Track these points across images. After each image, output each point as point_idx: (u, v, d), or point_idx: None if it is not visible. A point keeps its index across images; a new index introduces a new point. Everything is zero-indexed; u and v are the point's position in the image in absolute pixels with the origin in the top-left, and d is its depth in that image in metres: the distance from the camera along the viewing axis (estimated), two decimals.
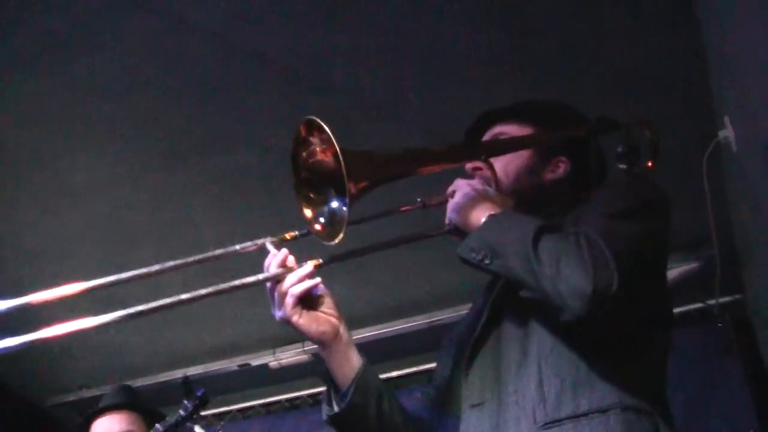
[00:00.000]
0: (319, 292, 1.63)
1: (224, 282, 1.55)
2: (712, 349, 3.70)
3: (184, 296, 1.49)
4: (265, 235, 1.68)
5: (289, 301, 1.58)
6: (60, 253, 3.77)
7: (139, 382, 4.48)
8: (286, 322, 1.59)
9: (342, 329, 1.66)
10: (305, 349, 4.32)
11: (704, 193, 2.74)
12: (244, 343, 4.41)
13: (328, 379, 1.68)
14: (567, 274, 1.40)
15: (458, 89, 3.03)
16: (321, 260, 1.62)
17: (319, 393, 4.44)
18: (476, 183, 1.69)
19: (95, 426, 2.88)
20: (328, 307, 1.64)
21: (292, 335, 4.26)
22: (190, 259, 1.63)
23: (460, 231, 1.62)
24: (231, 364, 4.53)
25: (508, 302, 1.62)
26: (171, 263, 1.61)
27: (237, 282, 1.55)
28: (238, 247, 1.65)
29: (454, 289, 3.76)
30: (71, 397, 4.80)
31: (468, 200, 1.63)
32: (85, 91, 3.04)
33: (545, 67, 2.95)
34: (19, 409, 4.77)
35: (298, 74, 3.02)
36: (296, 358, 4.39)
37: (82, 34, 2.81)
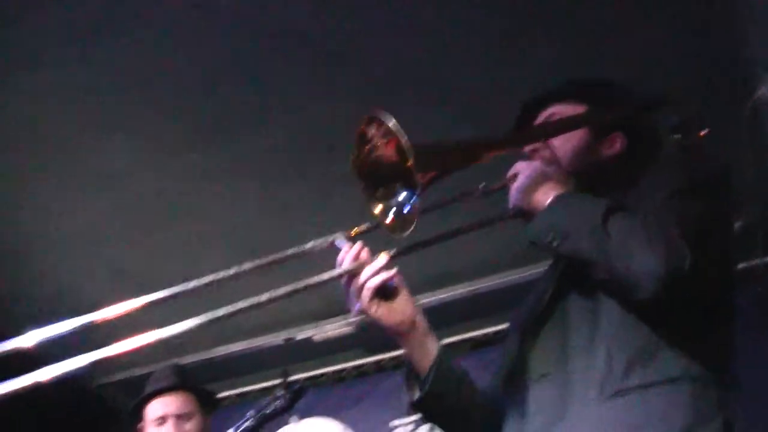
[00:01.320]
0: (395, 284, 1.65)
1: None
2: (757, 310, 3.68)
3: (263, 297, 1.53)
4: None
5: (366, 294, 1.61)
6: (92, 239, 3.79)
7: (186, 360, 4.51)
8: (364, 314, 1.63)
9: (418, 318, 1.68)
10: (349, 321, 4.34)
11: (745, 151, 2.74)
12: (287, 317, 4.43)
13: (408, 366, 1.71)
14: (639, 255, 1.41)
15: (501, 68, 3.01)
16: (391, 252, 1.64)
17: (363, 365, 4.51)
18: (537, 164, 1.70)
19: (149, 408, 2.89)
20: (403, 297, 1.67)
21: (335, 308, 4.35)
22: (264, 260, 1.65)
23: (525, 213, 1.63)
24: (276, 338, 4.55)
25: (574, 276, 1.62)
26: (247, 265, 1.65)
27: (314, 279, 1.58)
28: (310, 244, 1.68)
29: (495, 256, 3.82)
30: (118, 377, 4.84)
31: (531, 182, 1.64)
32: (115, 74, 3.04)
33: (584, 39, 2.92)
34: (67, 391, 4.85)
35: (334, 53, 3.00)
36: (340, 330, 4.41)
37: (110, 16, 2.81)
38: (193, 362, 4.54)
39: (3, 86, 3.05)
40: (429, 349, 1.69)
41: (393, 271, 1.64)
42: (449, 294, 4.12)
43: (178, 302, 1.58)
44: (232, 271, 1.62)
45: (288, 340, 4.53)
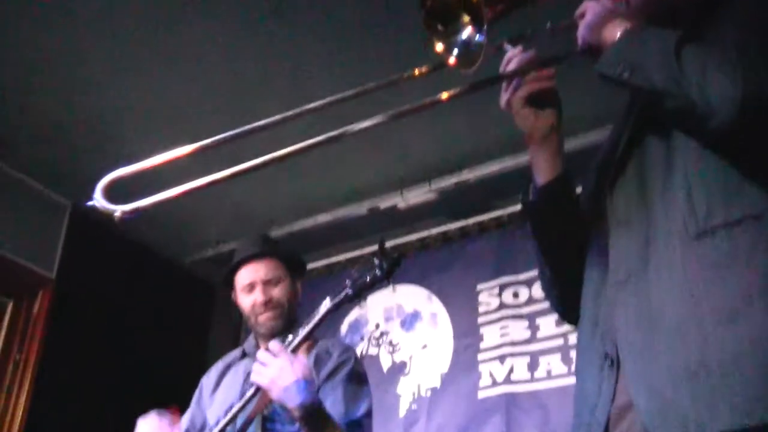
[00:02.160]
0: (549, 96, 1.69)
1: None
2: None
3: (361, 124, 1.51)
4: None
5: (523, 93, 1.65)
6: (173, 113, 3.80)
7: (272, 233, 4.58)
8: (508, 109, 1.68)
9: (557, 135, 1.72)
10: (432, 188, 4.33)
11: None
12: (371, 186, 4.43)
13: (530, 175, 1.76)
14: (714, 80, 1.34)
15: None
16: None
17: (448, 231, 4.50)
18: (606, 1, 1.62)
19: (238, 277, 2.92)
20: (551, 110, 1.70)
21: (419, 175, 4.33)
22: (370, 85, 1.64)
23: (594, 50, 1.58)
24: (360, 208, 4.56)
25: (649, 119, 1.58)
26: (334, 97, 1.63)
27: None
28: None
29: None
30: (209, 253, 4.97)
31: (600, 18, 1.58)
32: None
33: None
34: (161, 269, 5.00)
35: None
36: (424, 197, 4.38)
37: None
38: (279, 235, 4.61)
39: None
40: (555, 165, 1.72)
41: (553, 83, 1.67)
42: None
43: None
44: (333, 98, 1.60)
45: (372, 210, 4.54)
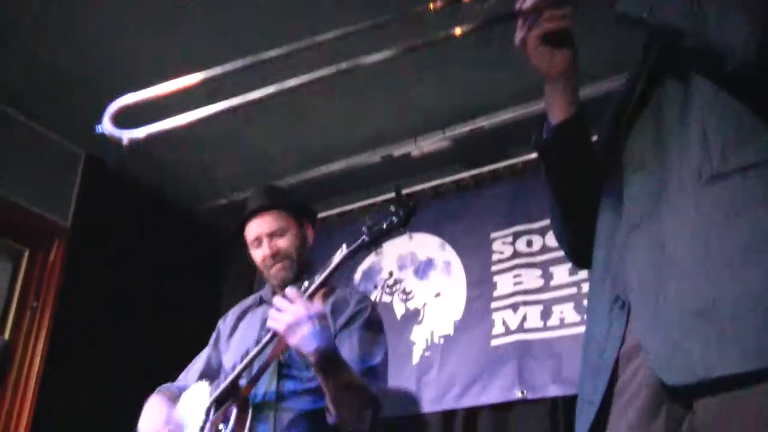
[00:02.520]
0: (565, 36, 1.65)
1: None
2: None
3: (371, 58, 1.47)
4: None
5: (538, 31, 1.62)
6: (187, 60, 3.71)
7: (285, 182, 4.58)
8: (524, 47, 1.65)
9: (572, 74, 1.69)
10: (446, 135, 4.30)
11: None
12: (385, 134, 4.40)
13: (543, 116, 1.75)
14: (733, 21, 1.33)
15: None
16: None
17: (462, 179, 4.49)
18: None
19: (246, 232, 2.94)
20: (566, 49, 1.67)
21: (433, 122, 4.30)
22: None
23: None
24: (373, 156, 4.54)
25: (666, 63, 1.57)
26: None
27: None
28: None
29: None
30: (223, 201, 4.98)
31: None
32: None
33: None
34: (175, 217, 5.02)
35: None
36: (438, 144, 4.36)
37: None
38: (292, 183, 4.62)
39: None
40: (569, 105, 1.70)
41: (569, 22, 1.63)
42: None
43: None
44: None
45: (385, 157, 4.52)
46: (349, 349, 2.65)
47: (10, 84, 4.03)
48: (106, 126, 1.50)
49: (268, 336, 2.53)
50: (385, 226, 2.47)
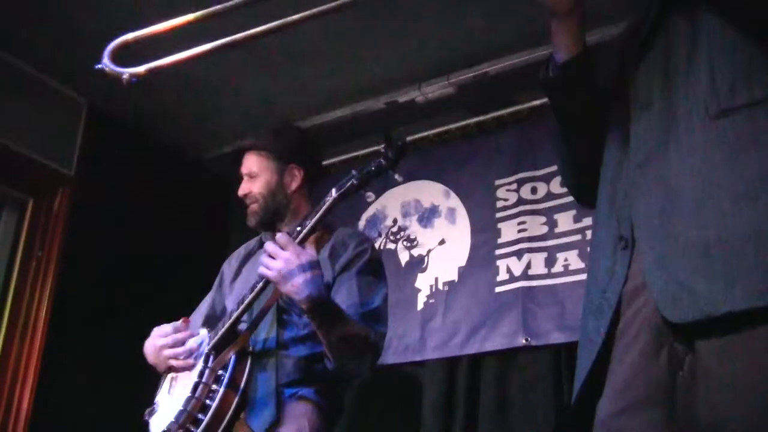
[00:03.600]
0: None
1: None
2: None
3: None
4: None
5: None
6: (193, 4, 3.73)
7: None
8: None
9: (579, 11, 1.67)
10: (450, 81, 4.25)
11: None
12: (388, 80, 4.35)
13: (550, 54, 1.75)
14: None
15: None
16: None
17: (466, 126, 4.45)
18: None
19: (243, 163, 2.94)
20: None
21: (437, 68, 4.26)
22: None
23: None
24: (377, 102, 4.50)
25: (674, 1, 1.57)
26: None
27: None
28: None
29: None
30: (227, 149, 4.96)
31: None
32: None
33: None
34: (180, 165, 5.01)
35: None
36: (442, 91, 4.30)
37: None
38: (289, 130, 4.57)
39: None
40: (577, 41, 1.70)
41: None
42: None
43: None
44: None
45: (390, 104, 4.48)
46: (348, 293, 2.64)
47: (12, 33, 3.99)
48: (107, 63, 1.51)
49: (261, 284, 2.52)
50: (373, 167, 2.45)
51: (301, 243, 2.48)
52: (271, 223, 2.82)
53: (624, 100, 1.64)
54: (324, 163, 4.11)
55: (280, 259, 2.41)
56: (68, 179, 4.34)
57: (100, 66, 1.50)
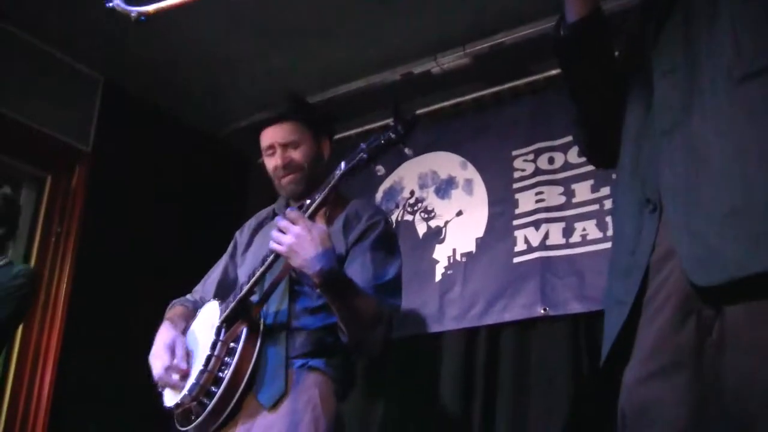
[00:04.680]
0: None
1: None
2: None
3: None
4: None
5: None
6: None
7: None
8: None
9: None
10: (466, 52, 4.23)
11: None
12: (404, 51, 4.34)
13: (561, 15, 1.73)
14: None
15: None
16: None
17: (482, 97, 4.42)
18: None
19: (261, 138, 2.87)
20: None
21: (453, 39, 4.23)
22: None
23: None
24: (393, 74, 4.48)
25: None
26: None
27: None
28: None
29: None
30: (243, 123, 4.96)
31: None
32: None
33: None
34: (196, 139, 5.02)
35: None
36: (458, 62, 4.28)
37: None
38: (312, 102, 4.57)
39: None
40: (589, 1, 1.68)
41: None
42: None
43: None
44: None
45: (405, 75, 4.46)
46: (361, 267, 2.62)
47: (27, 10, 3.99)
48: (117, 2, 1.53)
49: (272, 257, 2.52)
50: (382, 141, 2.40)
51: (312, 217, 2.47)
52: (308, 193, 2.77)
53: (646, 66, 1.62)
54: (339, 135, 4.09)
55: (291, 234, 2.40)
56: (85, 155, 4.36)
57: (111, 5, 1.51)
